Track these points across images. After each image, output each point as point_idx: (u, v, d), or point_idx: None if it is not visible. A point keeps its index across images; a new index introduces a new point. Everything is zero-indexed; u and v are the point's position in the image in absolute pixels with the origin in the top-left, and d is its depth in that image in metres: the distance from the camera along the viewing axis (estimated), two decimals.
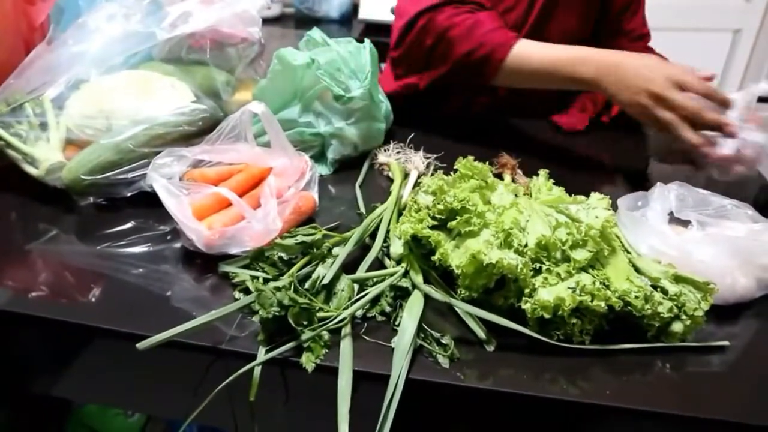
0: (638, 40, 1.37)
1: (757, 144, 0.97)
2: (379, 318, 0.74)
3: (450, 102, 1.36)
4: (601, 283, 0.71)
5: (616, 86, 1.03)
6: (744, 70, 2.64)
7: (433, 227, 0.78)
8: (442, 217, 0.78)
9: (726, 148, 0.97)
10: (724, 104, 0.99)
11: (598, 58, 1.06)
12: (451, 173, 0.87)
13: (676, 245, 0.78)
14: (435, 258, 0.75)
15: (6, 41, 1.06)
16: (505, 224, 0.75)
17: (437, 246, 0.75)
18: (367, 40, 1.08)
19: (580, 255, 0.72)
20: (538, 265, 0.73)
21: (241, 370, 0.66)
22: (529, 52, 1.11)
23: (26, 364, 0.88)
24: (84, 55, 1.02)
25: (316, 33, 1.12)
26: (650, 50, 1.37)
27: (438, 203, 0.78)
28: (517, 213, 0.78)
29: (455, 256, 0.74)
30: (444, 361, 0.69)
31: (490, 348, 0.71)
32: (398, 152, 1.09)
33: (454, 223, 0.76)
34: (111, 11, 1.06)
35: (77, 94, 1.00)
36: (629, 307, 0.70)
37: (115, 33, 1.02)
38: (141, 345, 0.65)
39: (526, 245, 0.74)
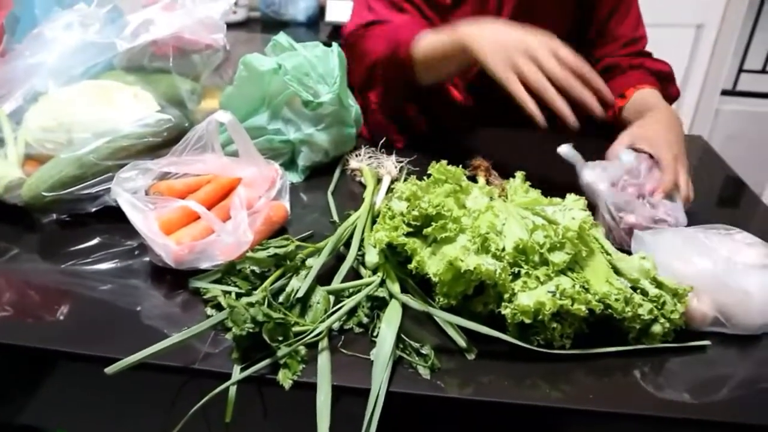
0: (631, 44, 1.33)
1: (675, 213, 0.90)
2: (357, 330, 0.72)
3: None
4: (580, 286, 0.70)
5: (485, 40, 0.98)
6: (707, 65, 2.67)
7: (408, 234, 0.77)
8: (417, 224, 0.77)
9: (640, 217, 0.88)
10: (590, 82, 0.92)
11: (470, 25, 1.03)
12: (425, 177, 0.86)
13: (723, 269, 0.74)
14: (412, 266, 0.74)
15: None
16: (481, 229, 0.74)
17: (413, 254, 0.74)
18: (335, 44, 1.06)
19: (559, 258, 0.71)
20: (516, 269, 0.71)
21: (216, 391, 0.64)
22: (424, 39, 1.09)
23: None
24: (41, 66, 0.98)
25: (282, 37, 1.10)
26: (645, 54, 1.35)
27: (412, 209, 0.77)
28: (493, 216, 0.77)
29: (432, 263, 0.73)
30: (425, 372, 0.67)
31: (471, 356, 0.70)
32: (370, 157, 1.07)
33: (429, 229, 0.75)
34: (68, 20, 1.03)
35: (35, 106, 0.97)
36: (609, 310, 0.69)
37: (74, 43, 0.98)
38: (109, 369, 0.63)
39: (503, 249, 0.73)
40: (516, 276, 0.71)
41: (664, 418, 0.66)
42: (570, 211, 0.78)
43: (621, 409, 0.66)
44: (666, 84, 1.28)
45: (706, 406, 0.67)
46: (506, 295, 0.70)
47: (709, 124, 2.77)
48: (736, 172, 1.26)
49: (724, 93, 2.75)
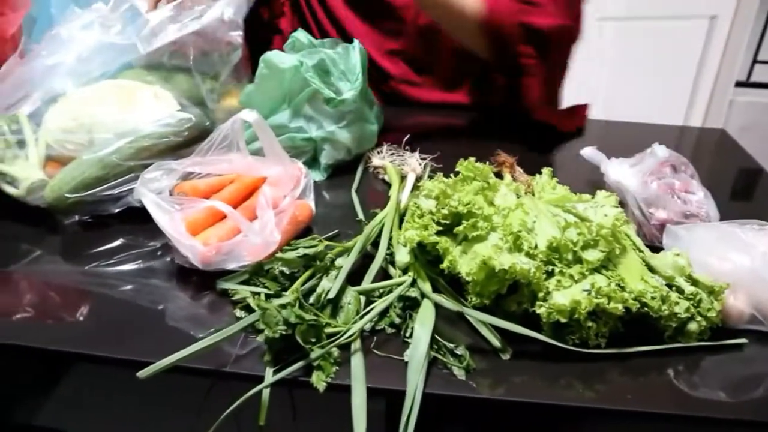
0: None
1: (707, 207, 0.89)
2: (389, 330, 0.71)
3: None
4: (616, 284, 0.68)
5: None
6: (721, 56, 2.65)
7: (437, 233, 0.76)
8: (447, 222, 0.76)
9: (671, 212, 0.87)
10: None
11: None
12: (451, 175, 0.85)
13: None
14: (444, 266, 0.73)
15: None
16: (513, 227, 0.73)
17: (445, 253, 0.73)
18: (356, 41, 1.05)
19: (593, 255, 0.70)
20: (549, 267, 0.70)
21: (249, 393, 0.63)
22: None
23: (14, 393, 0.84)
24: (59, 67, 0.98)
25: (301, 34, 1.09)
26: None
27: (442, 208, 0.76)
28: (523, 214, 0.76)
29: (464, 262, 0.72)
30: (459, 373, 0.66)
31: (506, 356, 0.68)
32: (392, 154, 1.06)
33: (460, 228, 0.73)
34: (86, 20, 1.02)
35: (55, 107, 0.96)
36: (646, 309, 0.68)
37: (92, 44, 0.97)
38: (142, 373, 0.62)
39: (536, 247, 0.72)
40: (549, 274, 0.70)
41: (700, 418, 0.65)
42: (602, 207, 0.77)
43: (656, 408, 0.65)
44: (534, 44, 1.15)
45: (743, 405, 0.66)
46: (540, 294, 0.69)
47: (723, 115, 2.75)
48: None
49: (738, 84, 2.73)
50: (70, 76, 0.99)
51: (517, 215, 0.75)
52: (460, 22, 1.11)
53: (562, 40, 1.16)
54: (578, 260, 0.71)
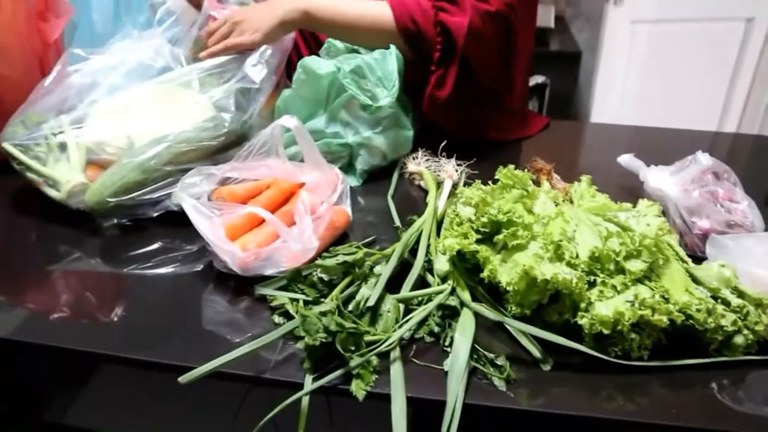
0: None
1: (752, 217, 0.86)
2: (428, 339, 0.71)
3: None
4: (660, 295, 0.67)
5: None
6: (757, 59, 2.59)
7: (477, 241, 0.75)
8: (486, 230, 0.75)
9: (714, 222, 0.85)
10: None
11: None
12: (489, 182, 0.84)
13: None
14: (484, 275, 0.72)
15: (20, 59, 1.03)
16: (553, 236, 0.72)
17: (485, 262, 0.72)
18: (393, 47, 1.05)
19: (635, 266, 0.69)
20: (591, 277, 0.69)
21: (289, 400, 0.63)
22: None
23: (50, 392, 0.85)
24: (100, 85, 0.99)
25: (338, 41, 1.09)
26: None
27: (481, 216, 0.75)
28: (564, 223, 0.75)
29: (504, 271, 0.71)
30: (500, 384, 0.65)
31: (546, 368, 0.68)
32: (428, 160, 1.05)
33: (500, 236, 0.73)
34: (132, 43, 1.03)
35: (96, 112, 0.97)
36: (691, 321, 0.67)
37: (136, 65, 0.99)
38: (183, 378, 0.62)
39: (577, 257, 0.71)
40: (591, 285, 0.69)
41: None
42: (644, 217, 0.75)
43: (700, 424, 0.63)
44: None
45: None
46: (582, 305, 0.68)
47: (759, 119, 2.69)
48: None
49: None
50: (112, 89, 1.00)
51: (558, 224, 0.74)
52: (374, 34, 1.08)
53: (481, 42, 1.08)
54: (620, 270, 0.70)
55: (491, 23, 1.05)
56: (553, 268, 0.68)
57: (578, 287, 0.67)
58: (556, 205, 0.82)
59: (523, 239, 0.72)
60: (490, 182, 0.85)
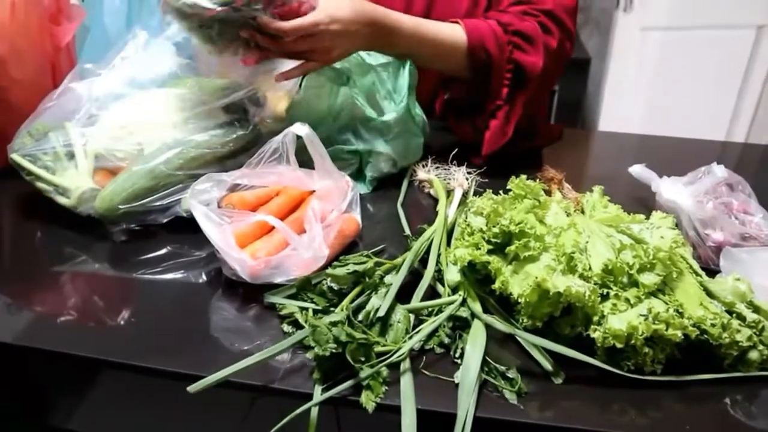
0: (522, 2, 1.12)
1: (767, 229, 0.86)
2: (438, 350, 0.70)
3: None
4: (674, 309, 0.66)
5: None
6: None
7: (488, 251, 0.75)
8: (498, 241, 0.75)
9: (728, 234, 0.84)
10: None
11: None
12: (501, 192, 0.84)
13: None
14: (496, 286, 0.71)
15: (32, 62, 1.03)
16: (566, 247, 0.71)
17: (497, 274, 0.71)
18: (408, 61, 1.04)
19: (649, 279, 0.68)
20: (604, 290, 0.69)
21: (298, 411, 0.63)
22: None
23: (55, 398, 0.85)
24: (111, 94, 0.99)
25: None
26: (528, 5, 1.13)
27: (493, 226, 0.74)
28: (576, 234, 0.74)
29: (515, 282, 0.71)
30: (511, 397, 0.65)
31: (558, 381, 0.67)
32: (437, 167, 1.05)
33: (512, 247, 0.72)
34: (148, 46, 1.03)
35: (105, 116, 0.97)
36: (705, 335, 0.66)
37: (148, 72, 0.99)
38: (192, 388, 0.62)
39: (590, 269, 0.70)
40: (604, 297, 0.68)
41: None
42: (658, 229, 0.75)
43: None
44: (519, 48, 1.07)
45: None
46: (595, 318, 0.67)
47: None
48: None
49: None
50: (122, 97, 1.00)
51: (570, 235, 0.74)
52: (448, 58, 1.06)
53: (545, 81, 1.10)
54: (634, 283, 0.69)
55: (555, 60, 1.06)
56: (566, 280, 0.67)
57: (591, 300, 0.66)
58: (568, 216, 0.81)
59: (535, 250, 0.71)
60: (501, 191, 0.85)
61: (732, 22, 2.53)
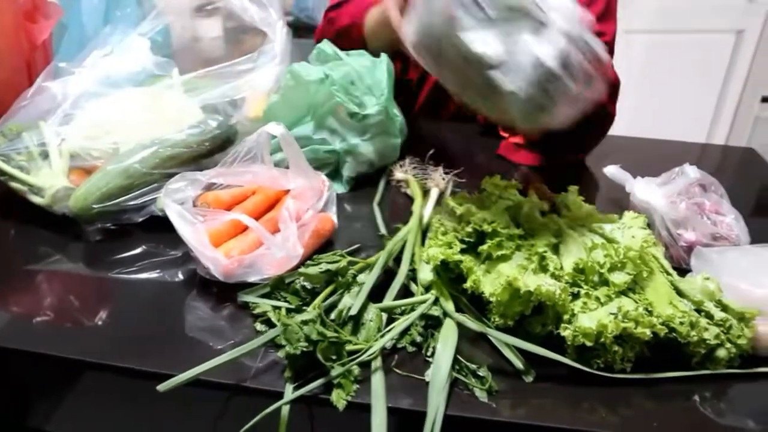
0: None
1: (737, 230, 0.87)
2: (410, 349, 0.70)
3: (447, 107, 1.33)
4: (644, 308, 0.67)
5: None
6: (747, 72, 2.61)
7: (461, 251, 0.75)
8: (471, 240, 0.75)
9: (700, 234, 0.85)
10: None
11: None
12: (475, 192, 0.84)
13: None
14: (467, 285, 0.72)
15: (8, 60, 1.03)
16: (538, 247, 0.72)
17: (469, 273, 0.72)
18: (384, 55, 1.04)
19: (619, 278, 0.69)
20: (575, 289, 0.69)
21: (269, 409, 0.63)
22: (371, 13, 1.13)
23: (30, 399, 0.84)
24: (86, 93, 0.98)
25: (326, 45, 1.09)
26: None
27: (466, 225, 0.75)
28: (549, 234, 0.75)
29: (487, 282, 0.71)
30: (481, 395, 0.65)
31: (529, 379, 0.67)
32: (415, 168, 1.05)
33: (484, 247, 0.73)
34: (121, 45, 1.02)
35: (81, 115, 0.96)
36: (674, 334, 0.67)
37: (124, 72, 0.98)
38: (162, 387, 0.62)
39: (561, 268, 0.70)
40: (575, 296, 0.69)
41: None
42: (629, 229, 0.75)
43: None
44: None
45: None
46: (566, 316, 0.67)
47: (749, 131, 2.71)
48: None
49: (765, 100, 2.69)
50: (97, 96, 1.00)
51: (543, 235, 0.74)
52: None
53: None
54: (604, 282, 0.70)
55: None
56: (537, 279, 0.67)
57: (561, 299, 0.67)
58: (543, 215, 0.82)
59: (507, 250, 0.72)
60: (476, 191, 0.85)
61: (712, 26, 2.56)
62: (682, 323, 0.66)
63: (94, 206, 0.86)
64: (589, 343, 0.65)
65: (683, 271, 0.81)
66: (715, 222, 0.86)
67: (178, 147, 0.92)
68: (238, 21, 1.08)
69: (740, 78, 2.65)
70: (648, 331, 0.65)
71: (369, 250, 0.87)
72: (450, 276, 0.76)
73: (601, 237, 0.75)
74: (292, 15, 2.49)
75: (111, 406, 0.82)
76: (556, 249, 0.74)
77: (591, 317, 0.66)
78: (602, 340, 0.65)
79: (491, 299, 0.69)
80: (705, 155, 1.45)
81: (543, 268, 0.70)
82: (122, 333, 0.74)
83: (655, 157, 1.28)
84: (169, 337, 0.74)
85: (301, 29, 2.45)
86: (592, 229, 0.77)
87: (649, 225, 0.87)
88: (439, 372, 0.65)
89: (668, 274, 0.75)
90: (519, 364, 0.68)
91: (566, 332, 0.66)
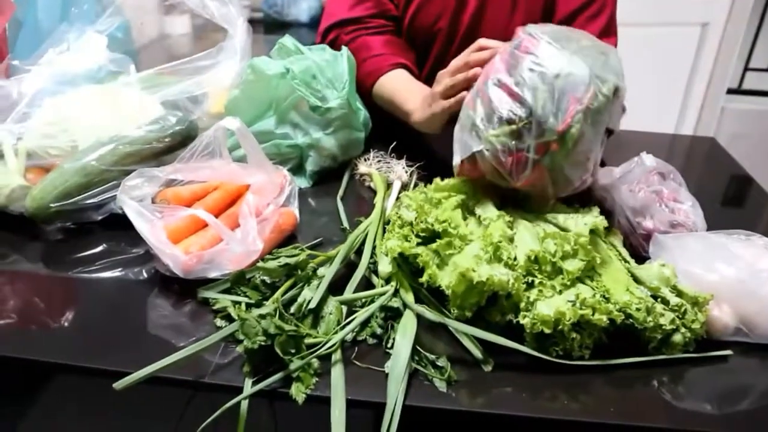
0: None
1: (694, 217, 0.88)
2: (370, 341, 0.70)
3: None
4: (601, 295, 0.68)
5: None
6: (713, 64, 2.65)
7: (419, 243, 0.75)
8: (426, 235, 0.75)
9: (658, 222, 0.86)
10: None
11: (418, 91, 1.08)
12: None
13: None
14: (423, 279, 0.72)
15: None
16: (493, 237, 0.72)
17: (425, 267, 0.72)
18: (345, 49, 1.04)
19: (572, 266, 0.70)
20: (530, 278, 0.70)
21: (227, 405, 0.62)
22: (383, 83, 1.16)
23: None
24: (43, 91, 0.96)
25: (288, 40, 1.08)
26: None
27: (420, 222, 0.75)
28: (504, 224, 0.75)
29: (444, 275, 0.71)
30: (441, 385, 0.65)
31: (488, 368, 0.68)
32: (379, 161, 1.05)
33: (434, 246, 0.73)
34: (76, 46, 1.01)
35: (39, 113, 0.95)
36: (631, 320, 0.68)
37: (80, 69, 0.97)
38: (118, 385, 0.61)
39: (515, 259, 0.71)
40: (530, 285, 0.69)
41: (685, 431, 0.64)
42: (583, 217, 0.76)
43: (641, 421, 0.64)
44: None
45: (728, 417, 0.65)
46: (523, 305, 0.68)
47: (715, 122, 2.75)
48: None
49: (730, 91, 2.73)
50: (54, 94, 0.98)
51: (498, 225, 0.74)
52: None
53: None
54: (559, 271, 0.70)
55: None
56: (490, 270, 0.68)
57: (515, 287, 0.67)
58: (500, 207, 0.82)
59: (456, 249, 0.72)
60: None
61: (677, 19, 2.59)
62: (638, 309, 0.67)
63: (52, 205, 0.85)
64: (547, 331, 0.66)
65: (643, 258, 0.82)
66: (672, 209, 0.87)
67: (137, 144, 0.91)
68: (204, 18, 1.07)
69: (706, 70, 2.68)
70: (605, 318, 0.66)
71: (332, 244, 0.87)
72: (411, 268, 0.76)
73: (554, 226, 0.75)
74: (262, 11, 2.48)
75: (72, 408, 0.81)
76: (512, 240, 0.74)
77: (549, 305, 0.67)
78: (560, 327, 0.66)
79: (447, 291, 0.70)
80: (671, 146, 1.47)
81: (498, 258, 0.70)
82: (83, 332, 0.73)
83: (621, 147, 1.29)
84: (130, 336, 0.73)
85: (270, 25, 2.45)
86: (546, 219, 0.77)
87: (611, 213, 0.88)
88: (398, 363, 0.65)
89: (626, 261, 0.76)
90: (477, 353, 0.68)
91: (525, 320, 0.67)
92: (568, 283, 0.68)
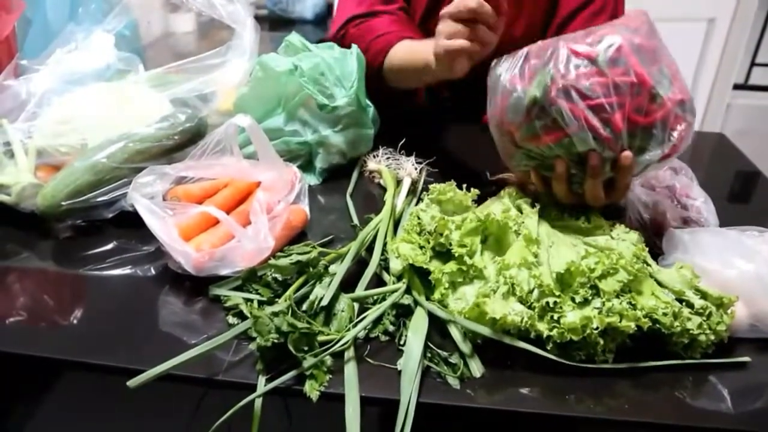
0: None
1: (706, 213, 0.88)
2: (383, 338, 0.70)
3: (416, 95, 1.34)
4: (627, 302, 0.67)
5: None
6: (719, 59, 2.64)
7: (431, 258, 0.75)
8: (441, 251, 0.75)
9: (670, 218, 0.86)
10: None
11: None
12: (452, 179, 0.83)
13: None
14: (434, 297, 0.72)
15: None
16: (510, 265, 0.70)
17: (437, 285, 0.71)
18: (354, 46, 1.04)
19: (610, 286, 0.68)
20: (553, 300, 0.68)
21: (242, 403, 0.62)
22: (394, 53, 1.12)
23: (8, 402, 0.83)
24: (52, 90, 0.97)
25: (295, 38, 1.08)
26: None
27: (438, 237, 0.74)
28: (525, 247, 0.72)
29: (452, 300, 0.71)
30: (454, 382, 0.65)
31: (476, 374, 0.66)
32: (388, 158, 1.05)
33: (447, 268, 0.72)
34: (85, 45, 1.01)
35: (48, 112, 0.95)
36: (657, 325, 0.66)
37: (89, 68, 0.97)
38: (132, 383, 0.61)
39: (530, 293, 0.69)
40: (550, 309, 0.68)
41: (702, 428, 0.64)
42: (623, 242, 0.75)
43: (660, 419, 0.64)
44: None
45: (745, 415, 0.64)
46: (545, 327, 0.67)
47: (721, 118, 2.74)
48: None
49: (736, 87, 2.72)
50: (63, 93, 0.98)
51: (518, 250, 0.72)
52: None
53: None
54: (594, 288, 0.68)
55: None
56: (503, 306, 0.66)
57: (527, 325, 0.66)
58: (521, 213, 0.81)
59: (467, 277, 0.72)
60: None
61: (684, 15, 2.58)
62: (665, 314, 0.66)
63: (63, 203, 0.85)
64: (575, 338, 0.65)
65: (654, 254, 0.81)
66: (685, 205, 0.86)
67: (147, 141, 0.91)
68: (210, 16, 1.07)
69: (712, 66, 2.67)
70: (633, 325, 0.65)
71: (342, 240, 0.87)
72: (422, 270, 0.76)
73: (595, 248, 0.74)
74: (266, 8, 2.47)
75: (85, 405, 0.81)
76: (535, 262, 0.72)
77: (575, 312, 0.66)
78: (587, 333, 0.65)
79: (457, 319, 0.69)
80: None
81: (511, 293, 0.69)
82: (94, 330, 0.73)
83: None
84: (141, 334, 0.73)
85: (274, 22, 2.44)
86: (586, 242, 0.76)
87: (622, 209, 0.87)
88: (410, 360, 0.64)
89: (648, 264, 0.74)
90: (467, 353, 0.67)
91: (553, 332, 0.66)
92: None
